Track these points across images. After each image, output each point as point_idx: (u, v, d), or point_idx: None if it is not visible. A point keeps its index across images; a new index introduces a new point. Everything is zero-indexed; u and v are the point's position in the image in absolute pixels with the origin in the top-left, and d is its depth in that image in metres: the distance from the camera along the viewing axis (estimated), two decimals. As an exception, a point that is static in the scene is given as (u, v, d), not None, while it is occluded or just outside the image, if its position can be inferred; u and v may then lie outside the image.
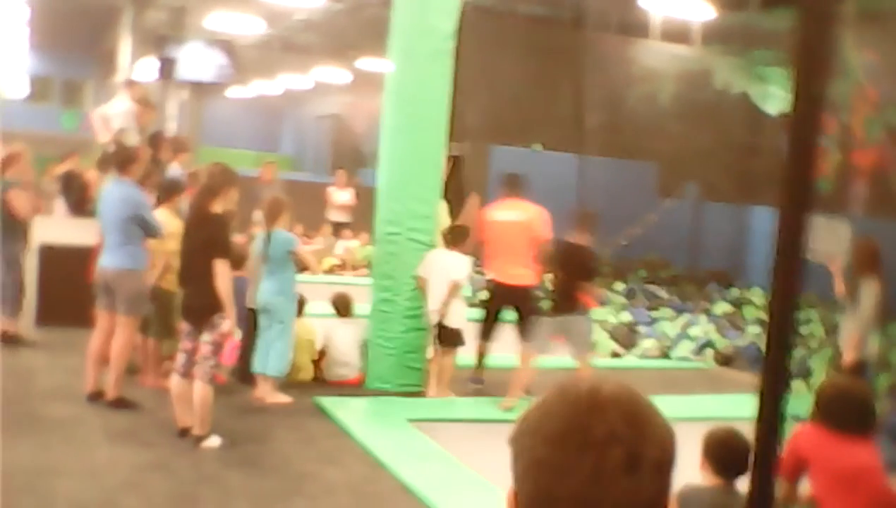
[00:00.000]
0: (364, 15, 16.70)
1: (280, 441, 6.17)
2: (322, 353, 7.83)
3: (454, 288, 7.45)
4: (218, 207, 5.85)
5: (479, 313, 8.18)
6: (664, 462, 1.17)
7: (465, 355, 7.79)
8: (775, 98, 13.65)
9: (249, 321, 7.10)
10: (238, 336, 6.86)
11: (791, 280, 2.51)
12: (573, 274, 7.43)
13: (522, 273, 7.78)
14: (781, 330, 2.52)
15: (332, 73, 22.43)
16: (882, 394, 8.12)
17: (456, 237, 7.68)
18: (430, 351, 7.73)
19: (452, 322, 7.50)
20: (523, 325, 7.71)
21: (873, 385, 7.52)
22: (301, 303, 7.45)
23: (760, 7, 12.86)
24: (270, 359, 6.93)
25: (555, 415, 1.18)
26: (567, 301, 7.39)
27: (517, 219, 7.84)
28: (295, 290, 7.12)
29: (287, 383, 7.19)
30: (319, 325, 7.98)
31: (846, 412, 4.17)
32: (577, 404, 1.18)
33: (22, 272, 7.97)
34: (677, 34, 15.21)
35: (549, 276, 7.95)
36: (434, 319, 7.50)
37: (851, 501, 4.07)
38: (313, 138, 27.59)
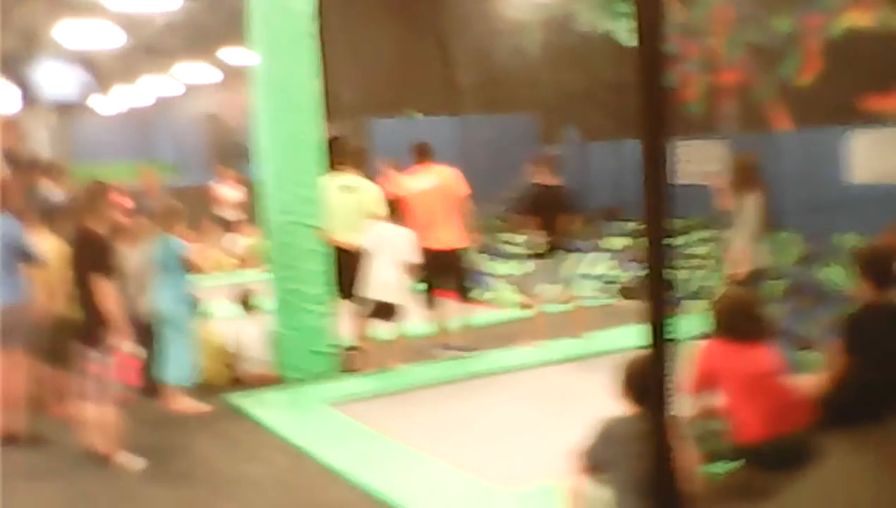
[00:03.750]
0: (224, 8, 16.38)
1: (201, 448, 6.09)
2: (234, 355, 7.75)
3: (412, 270, 7.58)
4: (98, 225, 5.71)
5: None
6: None
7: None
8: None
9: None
10: (141, 353, 6.72)
11: (659, 203, 2.59)
12: (555, 213, 7.96)
13: (451, 236, 7.90)
14: (657, 255, 2.61)
15: (202, 72, 21.96)
16: (778, 300, 8.46)
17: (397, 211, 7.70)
18: (368, 327, 7.69)
19: (399, 298, 7.54)
20: (461, 287, 7.98)
21: (767, 292, 7.83)
22: (196, 304, 7.34)
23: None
24: (172, 367, 6.83)
25: None
26: (556, 239, 8.02)
27: (435, 184, 7.92)
28: (189, 294, 7.02)
29: (202, 390, 7.09)
30: (227, 327, 7.88)
31: (738, 321, 4.36)
32: None
33: None
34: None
35: (528, 221, 8.16)
36: (384, 296, 7.48)
37: (758, 405, 4.26)
38: (191, 140, 27.00)
